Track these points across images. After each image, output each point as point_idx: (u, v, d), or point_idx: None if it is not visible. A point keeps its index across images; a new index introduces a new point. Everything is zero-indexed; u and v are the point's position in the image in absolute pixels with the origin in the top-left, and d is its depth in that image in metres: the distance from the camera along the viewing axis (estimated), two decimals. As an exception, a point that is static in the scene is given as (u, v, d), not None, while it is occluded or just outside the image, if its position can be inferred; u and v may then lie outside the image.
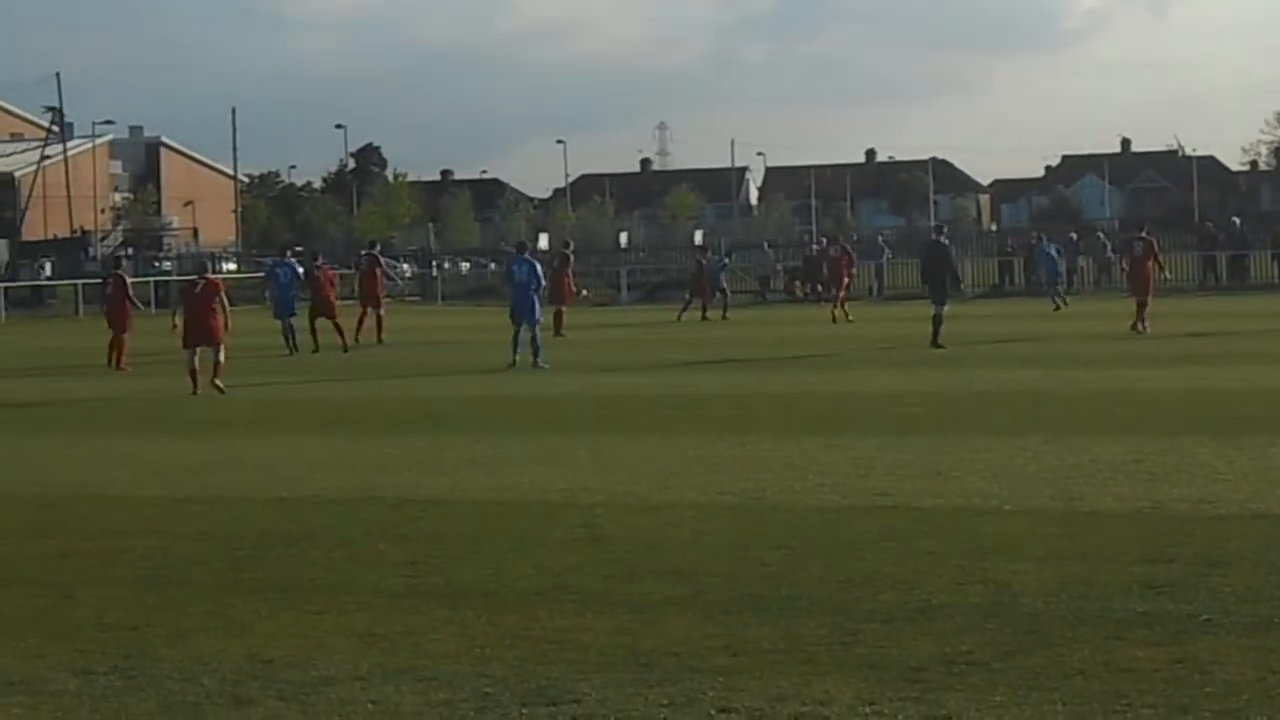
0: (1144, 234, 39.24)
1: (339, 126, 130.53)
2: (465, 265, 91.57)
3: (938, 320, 32.85)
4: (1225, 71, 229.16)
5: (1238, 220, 72.23)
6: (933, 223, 55.63)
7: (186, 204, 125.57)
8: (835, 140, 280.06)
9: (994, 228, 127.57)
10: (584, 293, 55.84)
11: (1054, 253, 53.65)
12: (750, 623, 9.61)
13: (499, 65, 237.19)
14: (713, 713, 7.91)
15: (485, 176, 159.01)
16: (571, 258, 48.28)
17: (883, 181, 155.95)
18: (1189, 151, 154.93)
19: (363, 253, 44.77)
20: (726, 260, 51.22)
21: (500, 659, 8.98)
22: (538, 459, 17.33)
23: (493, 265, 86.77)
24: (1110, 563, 10.96)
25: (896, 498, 13.97)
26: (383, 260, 43.83)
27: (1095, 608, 9.70)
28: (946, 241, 36.27)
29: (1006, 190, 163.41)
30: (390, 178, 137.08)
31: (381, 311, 41.49)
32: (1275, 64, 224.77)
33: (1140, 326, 35.29)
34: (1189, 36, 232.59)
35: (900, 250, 72.16)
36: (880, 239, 72.80)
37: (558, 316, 42.33)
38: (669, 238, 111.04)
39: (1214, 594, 9.93)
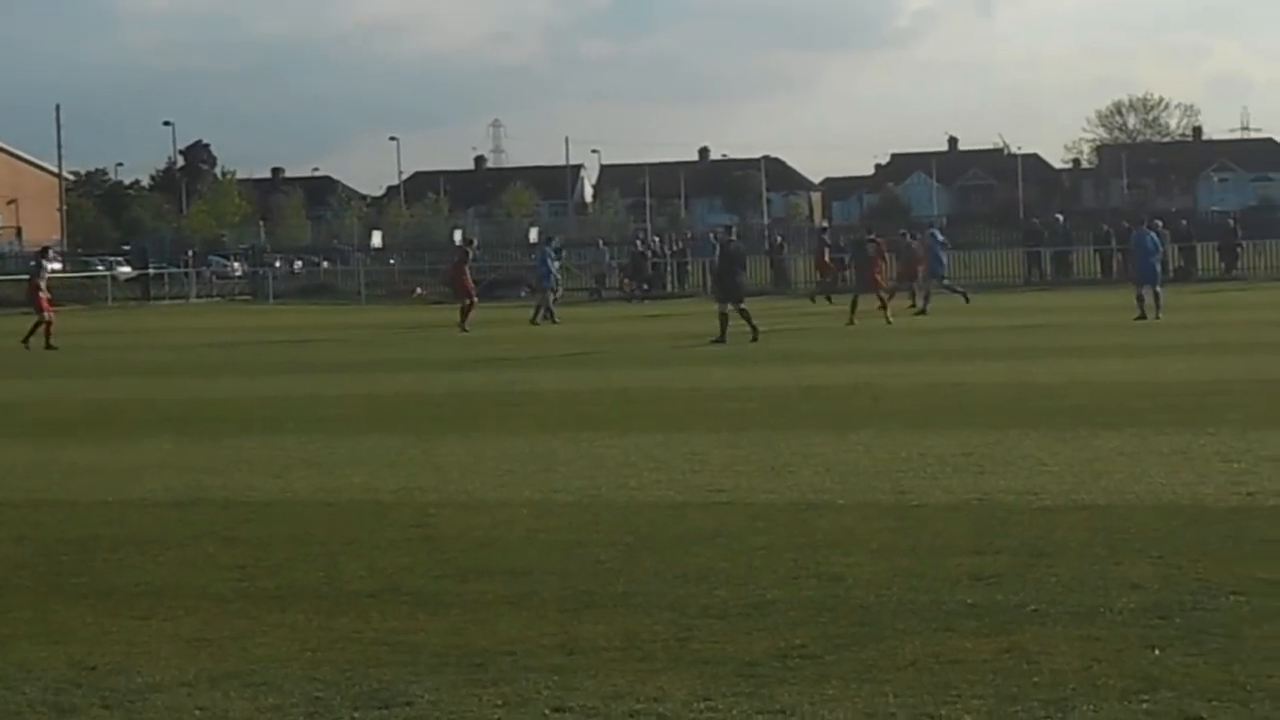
0: (873, 236, 44.66)
1: (167, 123, 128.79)
2: (297, 264, 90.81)
3: (724, 319, 34.07)
4: (1050, 71, 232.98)
5: (1061, 217, 73.46)
6: (729, 224, 56.27)
7: (10, 202, 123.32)
8: (670, 138, 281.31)
9: (825, 225, 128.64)
10: (418, 290, 55.60)
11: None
12: (585, 620, 9.60)
13: (333, 61, 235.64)
14: (547, 712, 7.89)
15: (317, 174, 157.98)
16: (470, 253, 47.81)
17: (716, 179, 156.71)
18: (1014, 150, 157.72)
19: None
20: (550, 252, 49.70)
21: (331, 662, 8.89)
22: (370, 459, 17.20)
23: (325, 263, 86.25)
24: (940, 555, 11.08)
25: (731, 493, 14.03)
26: (45, 265, 43.63)
27: (925, 600, 9.79)
28: (737, 243, 37.42)
29: (837, 188, 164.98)
30: (220, 175, 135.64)
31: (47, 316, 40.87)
32: (1098, 64, 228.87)
33: (889, 318, 39.00)
34: (1015, 37, 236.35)
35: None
36: (712, 236, 73.14)
37: (465, 311, 42.47)
38: (504, 235, 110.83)
39: (1040, 584, 10.07)
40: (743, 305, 34.48)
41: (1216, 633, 8.76)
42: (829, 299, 52.61)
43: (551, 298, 46.25)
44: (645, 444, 17.50)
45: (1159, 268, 39.59)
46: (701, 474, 15.23)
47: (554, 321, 44.80)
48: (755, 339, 33.45)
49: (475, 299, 43.82)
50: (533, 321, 44.75)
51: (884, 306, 39.89)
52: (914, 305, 44.01)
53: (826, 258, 57.03)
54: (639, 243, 69.49)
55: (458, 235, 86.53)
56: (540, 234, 71.43)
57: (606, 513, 13.34)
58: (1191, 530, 11.63)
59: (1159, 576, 10.15)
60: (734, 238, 38.27)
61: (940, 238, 49.31)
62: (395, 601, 10.28)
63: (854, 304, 40.22)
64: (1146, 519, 12.13)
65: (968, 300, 47.32)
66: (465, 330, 41.51)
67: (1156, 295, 37.28)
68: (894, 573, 10.56)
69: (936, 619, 9.31)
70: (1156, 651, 8.46)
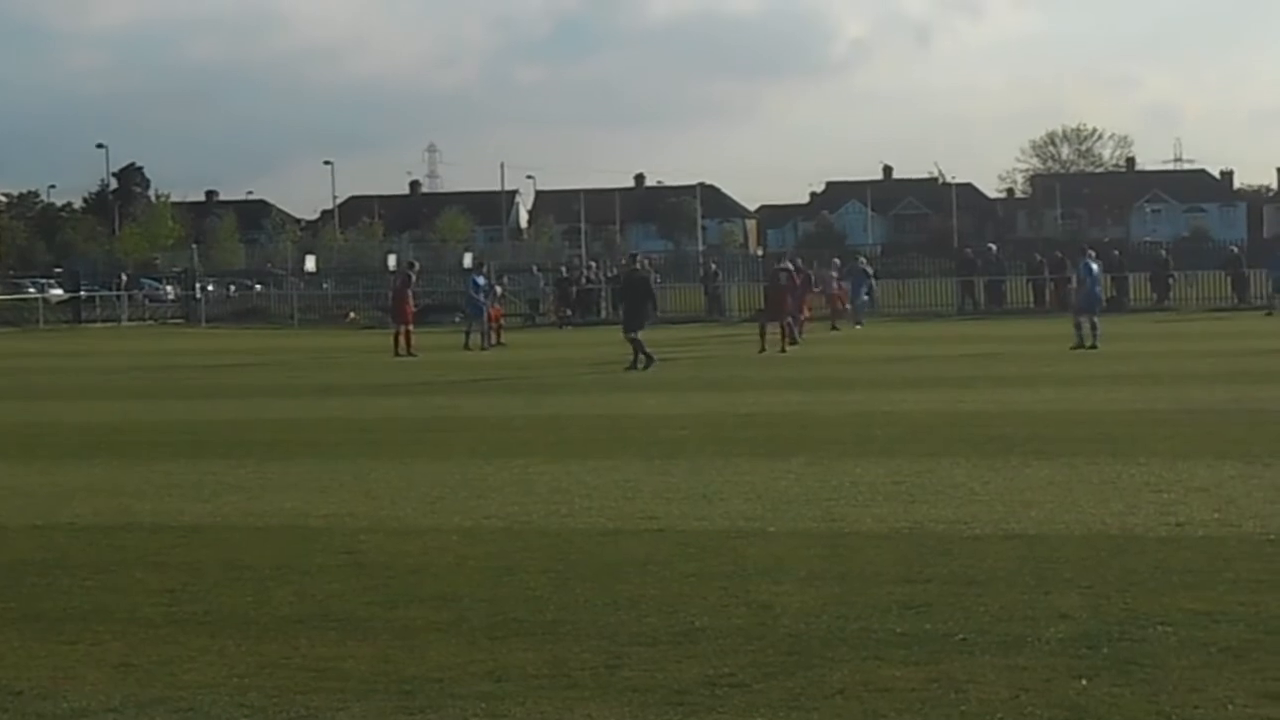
0: (785, 265, 44.58)
1: (100, 146, 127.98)
2: (231, 287, 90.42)
3: (639, 344, 34.26)
4: (984, 101, 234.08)
5: (994, 247, 73.86)
6: (635, 253, 56.34)
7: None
8: (605, 164, 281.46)
9: (760, 253, 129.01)
10: (352, 315, 55.46)
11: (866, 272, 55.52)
12: (514, 647, 9.58)
13: (267, 85, 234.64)
14: (475, 739, 7.88)
15: (251, 197, 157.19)
16: (413, 277, 47.47)
17: (651, 206, 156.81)
18: (948, 179, 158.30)
19: None
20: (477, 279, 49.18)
21: (259, 688, 8.85)
22: (300, 484, 17.13)
23: (258, 287, 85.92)
24: (870, 583, 11.11)
25: (662, 520, 14.04)
26: None
27: (855, 628, 9.82)
28: (646, 270, 37.55)
29: (773, 216, 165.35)
30: (153, 198, 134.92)
31: None
32: (1031, 95, 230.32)
33: (785, 348, 39.09)
34: (950, 67, 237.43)
35: (668, 275, 72.69)
36: (647, 262, 73.30)
37: (404, 337, 42.29)
38: (439, 261, 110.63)
39: (969, 613, 10.11)
40: (636, 335, 34.61)
41: (1144, 663, 8.81)
42: (834, 326, 52.40)
43: (486, 324, 46.01)
44: (577, 471, 17.49)
45: (1099, 297, 39.89)
46: (633, 501, 15.23)
47: (483, 348, 44.62)
48: (639, 367, 33.70)
49: (411, 326, 43.64)
50: (465, 347, 44.64)
51: (783, 335, 39.75)
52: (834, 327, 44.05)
53: (836, 288, 56.56)
54: (564, 269, 69.73)
55: (392, 260, 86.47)
56: (474, 259, 71.39)
57: (537, 540, 13.33)
58: (1120, 560, 11.70)
59: (1087, 606, 10.20)
60: (639, 266, 38.39)
61: (867, 268, 49.70)
62: (324, 627, 10.25)
63: (762, 331, 40.03)
64: (1076, 548, 12.20)
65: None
66: (413, 355, 41.34)
67: (1094, 324, 37.60)
68: (823, 601, 10.58)
69: (865, 647, 9.33)
70: (1084, 681, 8.50)
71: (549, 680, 8.85)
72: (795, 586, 11.08)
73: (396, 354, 41.90)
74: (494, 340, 46.48)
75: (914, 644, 9.37)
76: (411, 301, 44.89)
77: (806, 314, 42.57)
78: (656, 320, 41.82)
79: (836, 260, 60.96)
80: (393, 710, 8.35)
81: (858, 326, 49.23)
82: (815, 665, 8.98)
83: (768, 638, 9.65)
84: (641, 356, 34.09)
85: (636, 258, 41.56)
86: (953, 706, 8.14)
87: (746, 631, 9.82)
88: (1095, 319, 37.92)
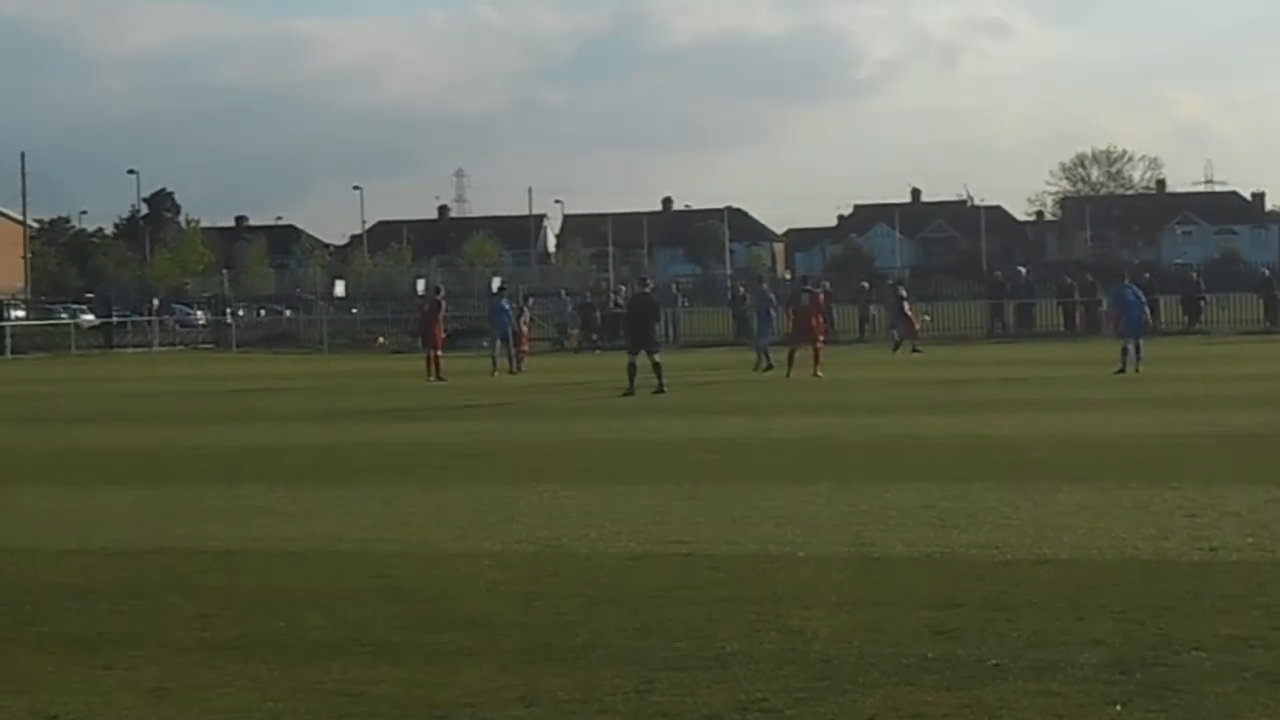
0: (809, 287, 43.95)
1: (131, 171, 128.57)
2: (261, 312, 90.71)
3: (634, 369, 34.04)
4: (1012, 123, 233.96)
5: (1024, 270, 73.78)
6: (643, 275, 56.10)
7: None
8: (633, 188, 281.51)
9: (788, 276, 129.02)
10: (381, 340, 55.63)
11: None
12: (546, 672, 9.58)
13: (296, 110, 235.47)
14: (507, 764, 7.88)
15: (281, 223, 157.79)
16: (441, 302, 47.58)
17: (679, 229, 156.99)
18: (977, 201, 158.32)
19: None
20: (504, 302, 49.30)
21: (292, 712, 8.87)
22: (332, 509, 17.17)
23: (288, 312, 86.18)
24: (901, 608, 11.10)
25: (692, 545, 14.03)
26: None
27: (886, 653, 9.80)
28: (649, 294, 37.53)
29: (800, 239, 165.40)
30: (184, 224, 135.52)
31: None
32: (1060, 116, 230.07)
33: (818, 372, 38.40)
34: (978, 88, 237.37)
35: (696, 299, 72.77)
36: (674, 287, 73.48)
37: (434, 362, 42.47)
38: (467, 285, 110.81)
39: (1001, 639, 10.08)
40: (656, 357, 34.46)
41: (1178, 688, 8.78)
42: (914, 349, 52.54)
43: (512, 348, 46.07)
44: (606, 495, 17.50)
45: (1142, 321, 39.87)
46: (662, 526, 15.22)
47: (511, 372, 44.73)
48: (660, 390, 33.57)
49: (441, 350, 43.77)
50: (510, 371, 44.93)
51: (816, 359, 39.26)
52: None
53: (907, 309, 56.52)
54: (588, 293, 69.88)
55: (420, 285, 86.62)
56: (500, 284, 71.60)
57: (567, 564, 13.33)
58: (1154, 585, 11.66)
59: (1121, 632, 10.17)
60: (647, 289, 38.28)
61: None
62: (356, 652, 10.26)
63: (791, 356, 39.56)
64: (1109, 574, 12.17)
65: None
66: (442, 380, 41.44)
67: (1138, 348, 37.67)
68: (854, 626, 10.57)
69: (897, 673, 9.32)
70: (1118, 707, 8.48)
71: (580, 705, 8.85)
72: (826, 611, 11.07)
73: (429, 379, 42.02)
74: (518, 365, 46.64)
75: (946, 669, 9.36)
76: (442, 326, 45.02)
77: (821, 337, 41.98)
78: (665, 344, 41.44)
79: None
80: (425, 735, 8.36)
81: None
82: (847, 690, 8.97)
83: (799, 663, 9.64)
84: (635, 384, 33.84)
85: (645, 281, 41.32)
86: (986, 732, 8.13)
87: (778, 656, 9.81)
88: (1139, 343, 37.98)
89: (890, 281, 62.15)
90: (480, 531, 15.25)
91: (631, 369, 34.21)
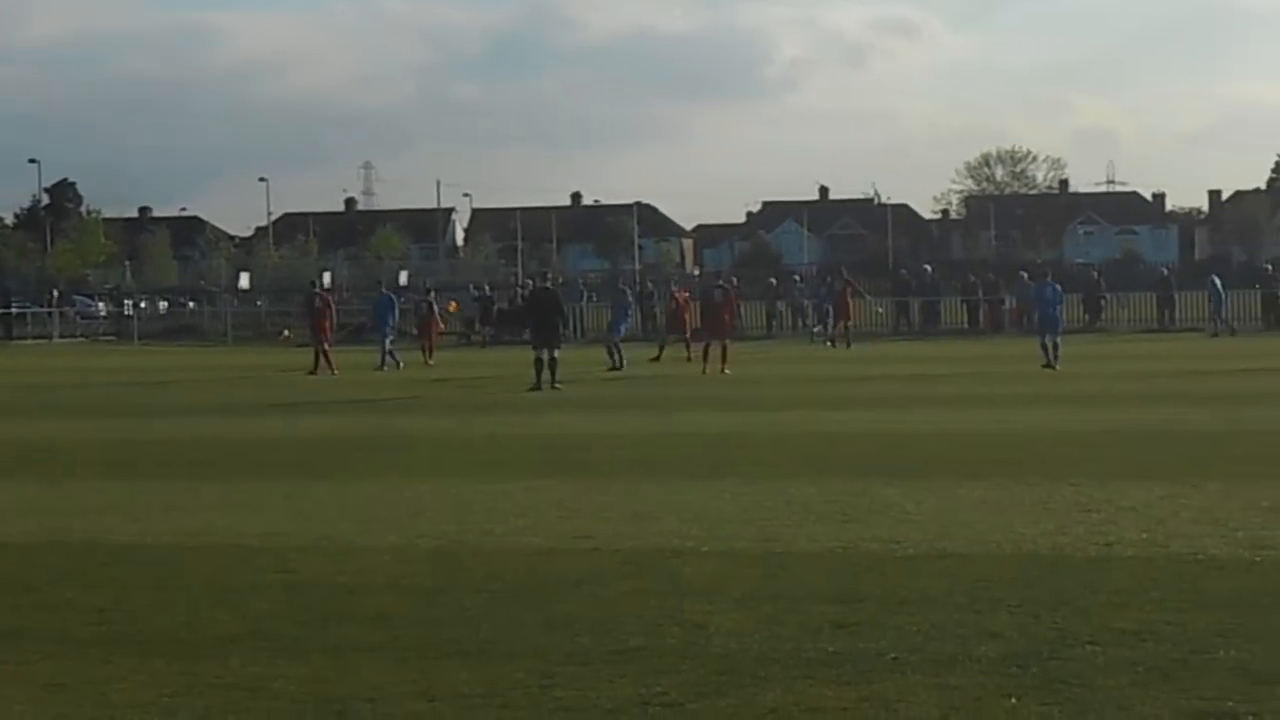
0: (722, 283, 44.74)
1: (32, 161, 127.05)
2: (163, 304, 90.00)
3: (540, 364, 34.03)
4: (919, 123, 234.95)
5: (929, 268, 74.22)
6: (545, 270, 56.06)
7: None
8: (542, 183, 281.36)
9: (697, 272, 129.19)
10: (286, 333, 55.34)
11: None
12: (447, 667, 9.57)
13: (202, 101, 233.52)
14: (407, 758, 7.87)
15: (185, 214, 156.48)
16: (320, 295, 47.16)
17: (588, 225, 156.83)
18: (884, 200, 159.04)
19: None
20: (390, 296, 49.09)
21: (190, 708, 8.82)
22: (233, 503, 17.07)
23: (191, 304, 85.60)
24: (803, 602, 11.15)
25: (598, 540, 14.05)
26: None
27: (787, 647, 9.85)
28: (554, 289, 37.67)
29: (709, 235, 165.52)
30: (86, 214, 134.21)
31: None
32: (967, 116, 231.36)
33: (725, 368, 38.42)
34: (886, 88, 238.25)
35: (605, 294, 72.74)
36: (580, 282, 73.53)
37: (323, 356, 42.44)
38: (373, 278, 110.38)
39: (900, 632, 10.16)
40: (555, 354, 34.37)
41: (1072, 682, 8.87)
42: (832, 342, 52.82)
43: (388, 343, 45.76)
44: (512, 490, 17.48)
45: (1057, 318, 40.17)
46: (568, 520, 15.23)
47: (398, 367, 44.46)
48: (538, 388, 33.59)
49: (328, 345, 43.52)
50: (402, 365, 44.56)
51: (724, 356, 39.24)
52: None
53: (848, 298, 56.78)
54: (487, 286, 69.78)
55: (327, 278, 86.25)
56: (410, 276, 71.49)
57: (471, 559, 13.31)
58: (1050, 580, 11.77)
59: (1017, 625, 10.27)
60: (549, 284, 38.37)
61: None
62: (256, 647, 10.21)
63: (705, 352, 39.64)
64: (1007, 568, 12.27)
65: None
66: (333, 374, 41.31)
67: (1056, 345, 38.01)
68: (757, 620, 10.61)
69: (798, 667, 9.37)
70: (1013, 700, 8.56)
71: (482, 700, 8.85)
72: (729, 606, 11.11)
73: (316, 373, 41.79)
74: (426, 359, 46.58)
75: (846, 663, 9.42)
76: (329, 319, 44.78)
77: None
78: (569, 339, 41.39)
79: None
80: (324, 730, 8.33)
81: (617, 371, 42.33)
82: (748, 685, 9.01)
83: (701, 657, 9.68)
84: (542, 379, 33.89)
85: (547, 276, 41.37)
86: (876, 725, 8.19)
87: (680, 651, 9.84)
88: (1057, 339, 38.32)
89: (828, 278, 62.31)
90: (383, 526, 15.21)
91: (538, 364, 34.16)
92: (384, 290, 49.92)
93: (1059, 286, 40.87)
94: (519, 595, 11.71)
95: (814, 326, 58.14)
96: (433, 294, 54.96)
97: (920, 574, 12.12)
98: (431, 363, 46.41)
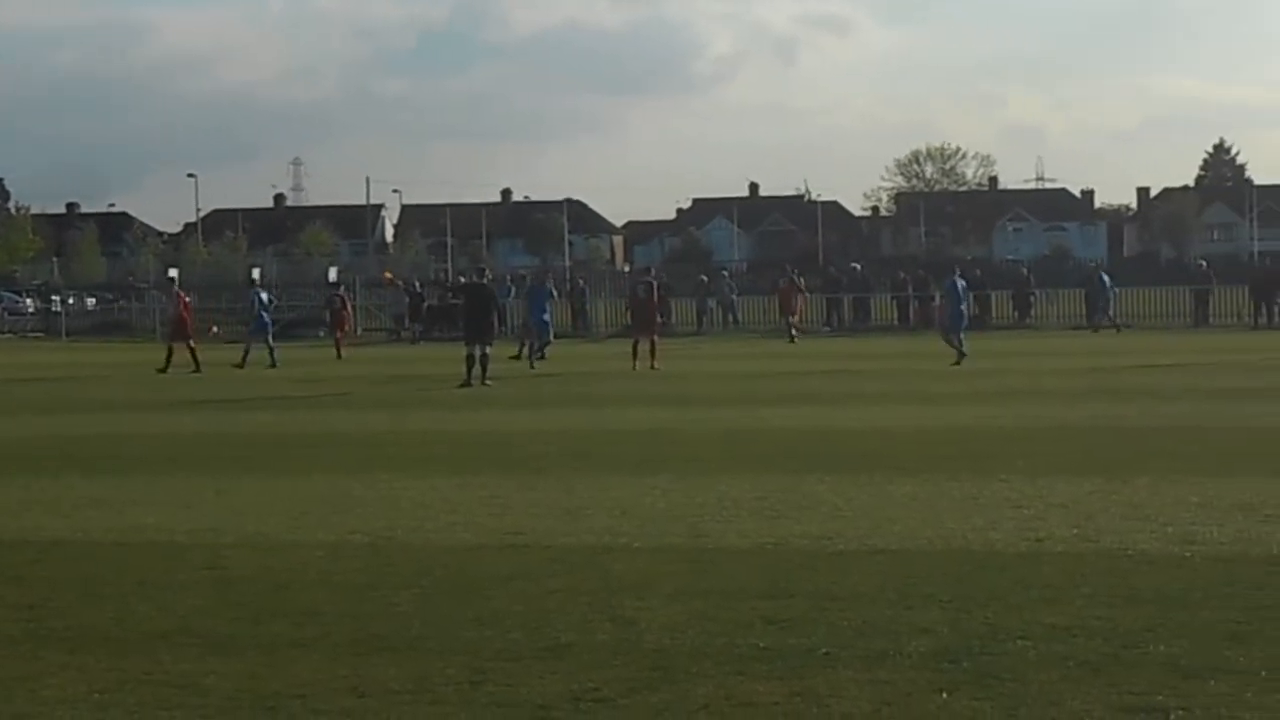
0: (649, 278, 44.39)
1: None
2: (91, 300, 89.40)
3: (471, 361, 34.04)
4: (850, 119, 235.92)
5: (859, 265, 74.48)
6: (480, 265, 56.01)
7: None
8: (472, 178, 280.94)
9: (627, 268, 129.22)
10: (215, 329, 55.07)
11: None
12: (378, 663, 9.55)
13: (129, 96, 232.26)
14: (338, 755, 7.85)
15: (113, 210, 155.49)
16: (176, 290, 47.40)
17: (519, 221, 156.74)
18: (814, 196, 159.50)
19: None
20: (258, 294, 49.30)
21: (121, 704, 8.77)
22: (164, 500, 16.98)
23: (120, 301, 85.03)
24: (734, 598, 11.17)
25: (529, 536, 14.04)
26: None
27: (719, 643, 9.87)
28: (488, 285, 37.64)
29: (639, 232, 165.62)
30: (13, 210, 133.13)
31: None
32: (897, 113, 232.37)
33: (653, 365, 38.20)
34: (816, 84, 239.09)
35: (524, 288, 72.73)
36: (508, 279, 73.39)
37: (179, 352, 42.18)
38: (303, 274, 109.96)
39: (833, 628, 10.19)
40: (487, 350, 34.37)
41: (1004, 677, 8.92)
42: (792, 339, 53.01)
43: (260, 340, 45.64)
44: (442, 486, 17.45)
45: (963, 314, 40.41)
46: (499, 517, 15.21)
47: (274, 365, 44.14)
48: (468, 384, 33.59)
49: (192, 340, 43.45)
50: (239, 365, 44.18)
51: (651, 353, 39.11)
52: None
53: (796, 297, 57.02)
54: (416, 283, 69.67)
55: (256, 273, 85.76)
56: (339, 273, 71.30)
57: (402, 555, 13.28)
58: (981, 575, 11.83)
59: (949, 621, 10.32)
60: (485, 280, 38.40)
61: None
62: (187, 644, 10.16)
63: (634, 348, 39.49)
64: (938, 564, 12.33)
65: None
66: (198, 371, 41.38)
67: (960, 340, 38.21)
68: (688, 616, 10.63)
69: (730, 662, 9.39)
70: (945, 695, 8.60)
71: (412, 696, 8.83)
72: (660, 602, 11.12)
73: (163, 369, 41.72)
74: (336, 354, 47.37)
75: (777, 659, 9.44)
76: (190, 318, 44.79)
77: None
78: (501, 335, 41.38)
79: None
80: (256, 727, 8.30)
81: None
82: (680, 680, 9.02)
83: (633, 653, 9.68)
84: (474, 376, 33.89)
85: (483, 272, 41.31)
86: (815, 720, 8.21)
87: (611, 647, 9.85)
88: (961, 336, 38.49)
89: (787, 269, 62.49)
90: (314, 522, 15.16)
91: (470, 361, 34.12)
92: (256, 290, 49.83)
93: (963, 283, 41.14)
94: (450, 591, 11.70)
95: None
96: (343, 288, 55.15)
97: (851, 570, 12.16)
98: (343, 358, 46.40)
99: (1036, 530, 13.71)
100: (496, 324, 35.88)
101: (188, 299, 46.07)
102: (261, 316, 46.38)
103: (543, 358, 41.97)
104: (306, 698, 8.81)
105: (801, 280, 58.56)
